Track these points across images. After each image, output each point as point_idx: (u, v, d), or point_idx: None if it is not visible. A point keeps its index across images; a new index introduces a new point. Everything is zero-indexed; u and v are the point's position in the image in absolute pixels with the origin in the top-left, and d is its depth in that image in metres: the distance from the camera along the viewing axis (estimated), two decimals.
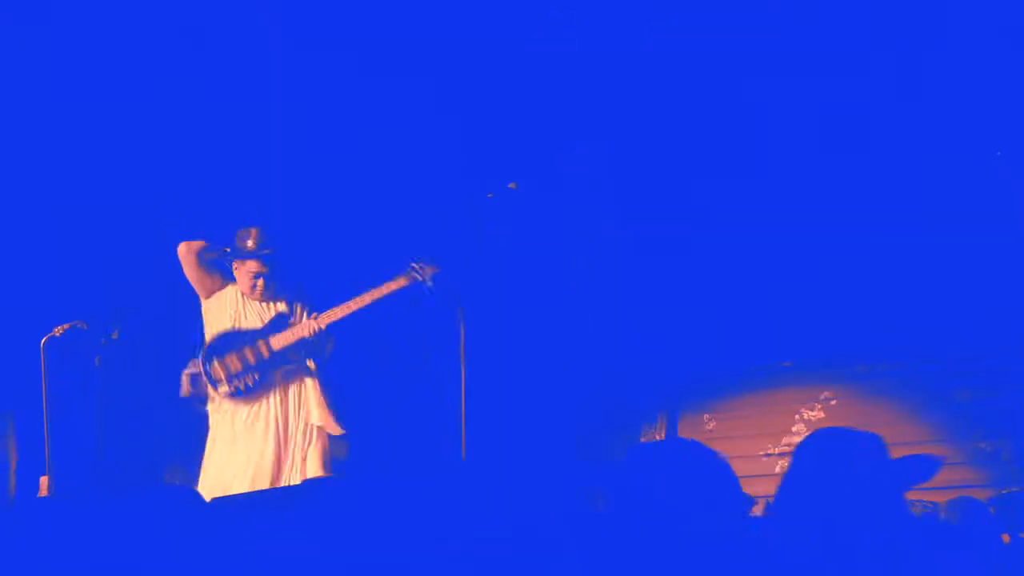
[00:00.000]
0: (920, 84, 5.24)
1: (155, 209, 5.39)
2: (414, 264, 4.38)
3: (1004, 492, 4.29)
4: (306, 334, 4.40)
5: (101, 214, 5.42)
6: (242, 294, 4.51)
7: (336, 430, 4.43)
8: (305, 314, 4.49)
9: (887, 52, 5.25)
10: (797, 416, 5.38)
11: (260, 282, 4.44)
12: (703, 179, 5.65)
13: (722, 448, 5.46)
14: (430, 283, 4.35)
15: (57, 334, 4.02)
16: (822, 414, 5.32)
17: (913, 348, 5.19)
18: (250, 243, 4.43)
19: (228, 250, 4.42)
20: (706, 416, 5.66)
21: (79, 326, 4.05)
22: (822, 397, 5.35)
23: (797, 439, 5.34)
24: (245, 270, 4.47)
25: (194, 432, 4.44)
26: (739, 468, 5.28)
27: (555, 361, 5.67)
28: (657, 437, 5.68)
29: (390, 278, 4.41)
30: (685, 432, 5.55)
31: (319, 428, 4.39)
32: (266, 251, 4.43)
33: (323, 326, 4.41)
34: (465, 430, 3.74)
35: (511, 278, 5.59)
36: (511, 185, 4.00)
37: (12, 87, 5.31)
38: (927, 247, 5.17)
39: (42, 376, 4.01)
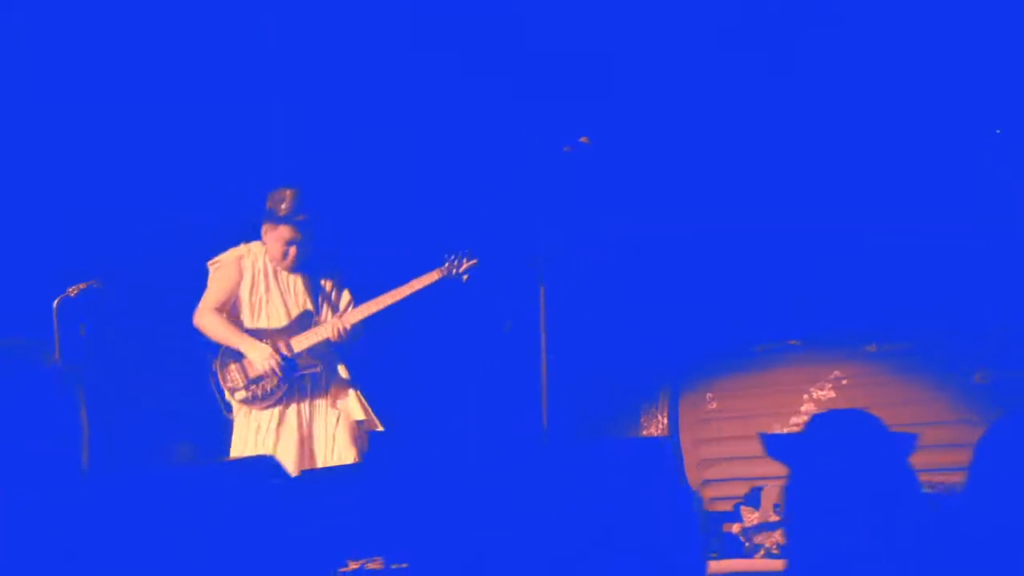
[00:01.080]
0: (927, 67, 5.09)
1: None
2: (450, 257, 4.10)
3: None
4: (330, 336, 4.07)
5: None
6: (266, 263, 4.12)
7: (377, 426, 4.16)
8: (330, 310, 4.15)
9: (891, 38, 5.12)
10: (806, 396, 5.22)
11: (293, 250, 4.05)
12: (710, 158, 5.53)
13: (727, 427, 5.41)
14: (465, 277, 4.06)
15: (71, 294, 3.81)
16: (832, 393, 5.16)
17: (926, 327, 5.03)
18: (284, 206, 4.02)
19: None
20: (709, 395, 5.51)
21: (95, 286, 3.86)
22: (832, 376, 5.20)
23: (805, 419, 5.20)
24: (277, 235, 4.08)
25: (203, 407, 4.21)
26: (745, 448, 5.17)
27: (559, 339, 5.53)
28: (659, 416, 5.54)
29: (422, 273, 4.12)
30: (687, 411, 5.41)
31: (349, 426, 4.12)
32: (300, 216, 4.06)
33: (348, 327, 4.08)
34: (547, 402, 3.60)
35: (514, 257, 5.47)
36: (583, 139, 3.85)
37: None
38: (941, 225, 5.02)
39: (55, 339, 3.78)
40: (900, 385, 4.96)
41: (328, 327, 4.06)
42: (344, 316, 4.09)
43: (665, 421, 5.53)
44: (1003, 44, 4.87)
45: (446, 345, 5.34)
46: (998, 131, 5.04)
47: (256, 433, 4.04)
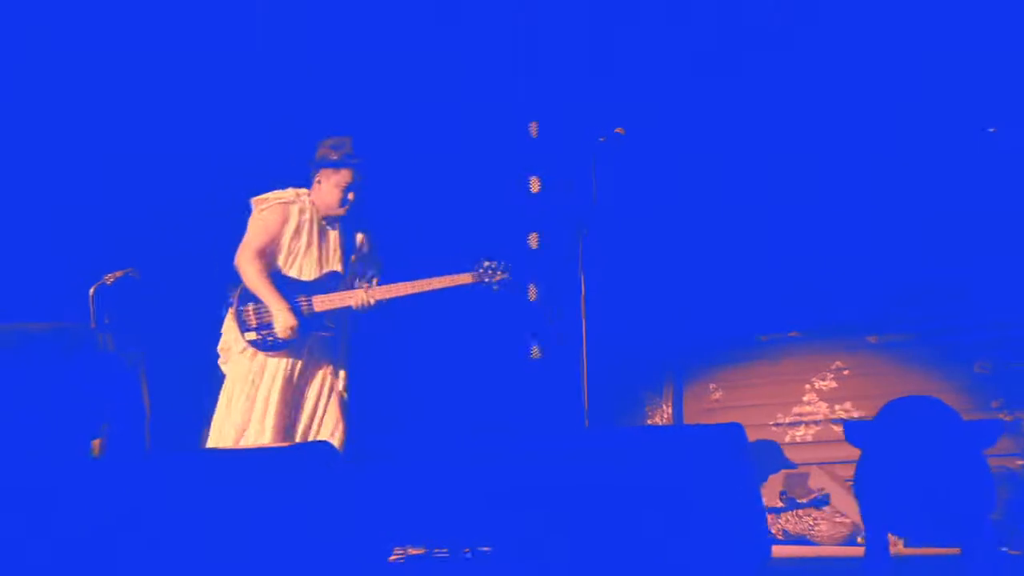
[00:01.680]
0: (926, 60, 5.21)
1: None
2: (487, 263, 4.09)
3: None
4: (353, 304, 4.00)
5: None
6: (313, 214, 4.03)
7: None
8: (357, 275, 4.11)
9: (886, 30, 5.23)
10: (808, 386, 5.36)
11: (351, 195, 3.99)
12: (711, 148, 5.59)
13: (731, 417, 5.52)
14: (496, 287, 4.07)
15: (108, 282, 3.73)
16: (834, 384, 5.30)
17: (926, 318, 5.19)
18: (345, 150, 3.99)
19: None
20: (712, 385, 5.62)
21: (132, 274, 3.78)
22: (833, 367, 5.33)
23: (808, 408, 5.34)
24: (338, 180, 3.99)
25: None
26: (750, 437, 5.26)
27: (564, 331, 5.57)
28: (663, 406, 5.62)
29: (462, 270, 4.07)
30: (691, 401, 5.50)
31: (339, 399, 4.08)
32: (357, 160, 4.00)
33: (373, 301, 4.01)
34: (588, 395, 3.62)
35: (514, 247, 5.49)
36: (619, 131, 3.88)
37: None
38: (942, 217, 5.16)
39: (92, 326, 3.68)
40: (901, 375, 5.11)
41: (355, 296, 4.01)
42: (373, 290, 4.05)
43: (670, 411, 5.63)
44: (998, 36, 5.01)
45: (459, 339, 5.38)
46: (992, 130, 5.20)
47: (248, 382, 3.95)
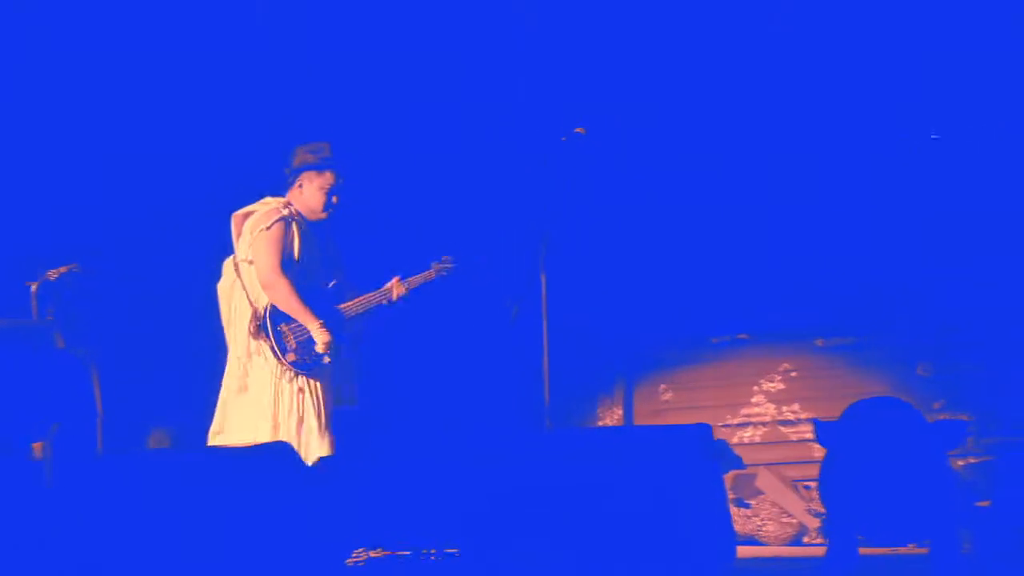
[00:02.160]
0: (880, 69, 5.32)
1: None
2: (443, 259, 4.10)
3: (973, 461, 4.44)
4: (392, 297, 3.93)
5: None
6: (296, 223, 3.91)
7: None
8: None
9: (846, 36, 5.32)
10: (756, 387, 5.44)
11: (335, 199, 3.92)
12: (666, 154, 5.64)
13: (679, 419, 5.57)
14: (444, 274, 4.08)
15: (51, 278, 3.57)
16: (782, 385, 5.39)
17: (871, 322, 5.30)
18: (325, 153, 3.92)
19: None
20: (663, 387, 5.66)
21: (74, 270, 3.62)
22: (781, 369, 5.42)
23: (756, 410, 5.42)
24: (321, 183, 3.91)
25: (176, 392, 4.03)
26: None
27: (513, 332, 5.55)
28: (614, 407, 5.65)
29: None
30: (641, 402, 5.54)
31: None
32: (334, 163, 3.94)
33: (407, 290, 3.97)
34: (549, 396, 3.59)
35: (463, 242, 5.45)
36: (579, 130, 3.85)
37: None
38: (885, 221, 5.27)
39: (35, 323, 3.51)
40: (846, 377, 5.22)
41: (390, 290, 3.97)
42: (408, 280, 4.00)
43: (620, 412, 5.65)
44: (945, 44, 5.13)
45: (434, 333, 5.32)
46: (934, 136, 5.35)
47: (288, 405, 3.77)
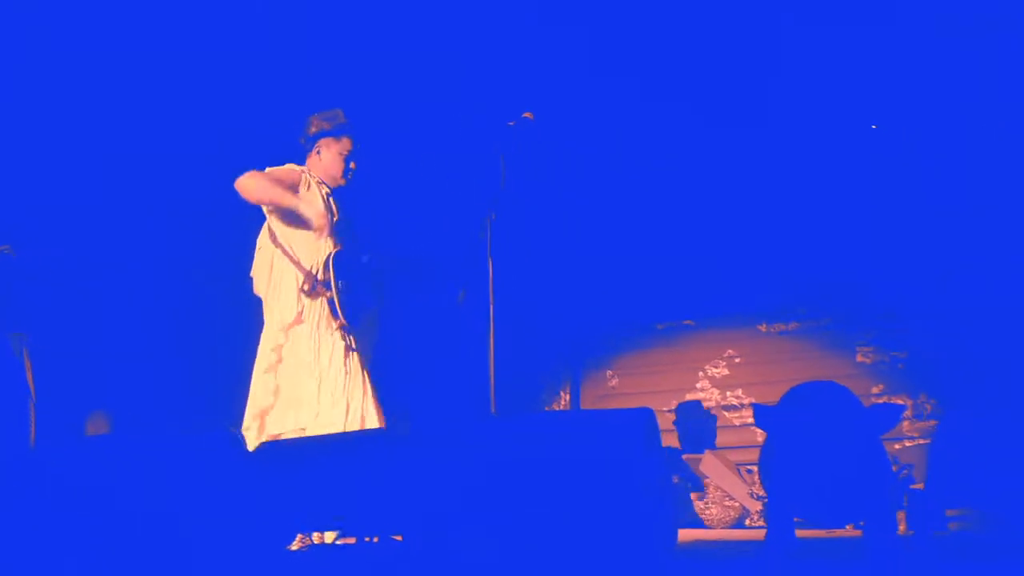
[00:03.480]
0: (825, 58, 5.37)
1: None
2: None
3: (909, 445, 4.54)
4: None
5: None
6: (317, 183, 3.85)
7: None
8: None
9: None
10: (701, 373, 5.49)
11: (352, 164, 3.91)
12: (613, 140, 5.65)
13: (626, 404, 5.62)
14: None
15: None
16: (726, 371, 5.45)
17: (813, 307, 5.39)
18: (339, 120, 3.89)
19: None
20: (609, 372, 5.70)
21: (5, 251, 3.50)
22: (726, 355, 5.49)
23: (701, 395, 5.48)
24: (339, 148, 3.86)
25: (115, 375, 3.93)
26: None
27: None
28: (561, 392, 5.68)
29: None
30: (588, 388, 5.57)
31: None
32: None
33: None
34: (495, 374, 3.58)
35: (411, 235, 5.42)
36: (527, 115, 3.83)
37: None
38: (827, 209, 5.35)
39: None
40: (789, 363, 5.30)
41: None
42: None
43: (567, 397, 5.68)
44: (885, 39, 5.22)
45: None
46: (874, 127, 5.44)
47: (336, 362, 3.72)
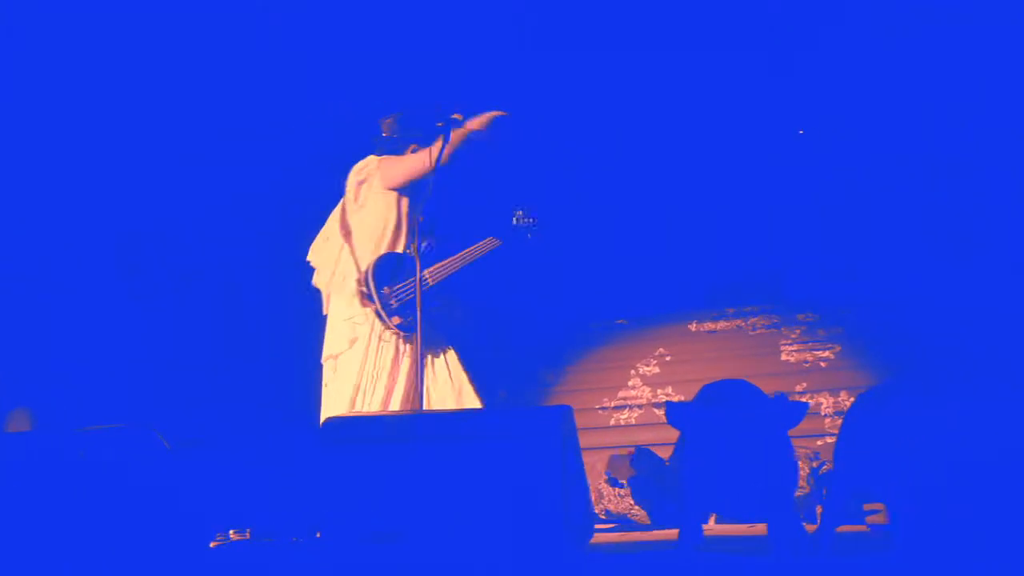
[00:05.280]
0: (763, 60, 5.46)
1: None
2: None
3: (831, 441, 4.64)
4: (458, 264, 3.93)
5: None
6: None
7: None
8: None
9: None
10: (633, 371, 5.56)
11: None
12: (544, 139, 5.68)
13: (559, 401, 5.66)
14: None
15: None
16: (657, 369, 5.53)
17: (744, 306, 5.49)
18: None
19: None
20: (547, 372, 5.75)
21: None
22: (657, 353, 5.56)
23: (633, 393, 5.55)
24: (431, 150, 3.93)
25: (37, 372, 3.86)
26: (576, 421, 5.43)
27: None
28: (501, 391, 5.70)
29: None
30: (529, 386, 5.61)
31: None
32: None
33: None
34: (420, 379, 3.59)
35: None
36: (456, 116, 3.87)
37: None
38: (759, 207, 5.46)
39: None
40: (716, 361, 5.39)
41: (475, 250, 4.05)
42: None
43: (506, 394, 5.71)
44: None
45: None
46: (801, 132, 5.57)
47: (388, 369, 3.79)
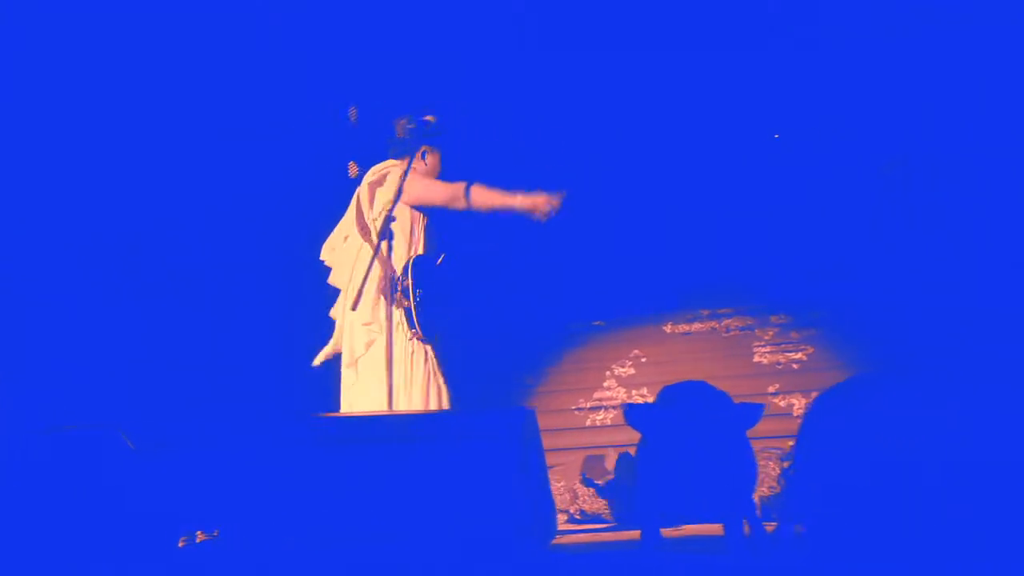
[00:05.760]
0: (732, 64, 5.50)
1: None
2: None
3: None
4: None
5: None
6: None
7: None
8: None
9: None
10: (608, 372, 5.59)
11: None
12: (516, 139, 5.72)
13: (539, 403, 5.68)
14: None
15: None
16: (632, 371, 5.56)
17: (718, 308, 5.53)
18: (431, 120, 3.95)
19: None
20: (525, 375, 5.78)
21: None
22: (632, 355, 5.59)
23: (608, 394, 5.58)
24: (438, 155, 4.02)
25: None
26: (553, 422, 5.47)
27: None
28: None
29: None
30: (506, 388, 5.63)
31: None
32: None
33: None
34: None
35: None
36: (428, 118, 3.88)
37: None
38: (733, 209, 5.49)
39: None
40: (690, 363, 5.42)
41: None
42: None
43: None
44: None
45: None
46: (776, 136, 5.61)
47: (415, 367, 3.84)
